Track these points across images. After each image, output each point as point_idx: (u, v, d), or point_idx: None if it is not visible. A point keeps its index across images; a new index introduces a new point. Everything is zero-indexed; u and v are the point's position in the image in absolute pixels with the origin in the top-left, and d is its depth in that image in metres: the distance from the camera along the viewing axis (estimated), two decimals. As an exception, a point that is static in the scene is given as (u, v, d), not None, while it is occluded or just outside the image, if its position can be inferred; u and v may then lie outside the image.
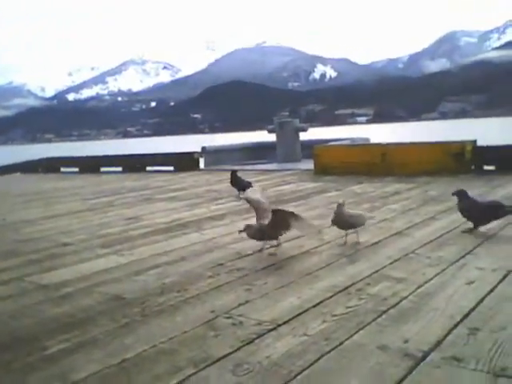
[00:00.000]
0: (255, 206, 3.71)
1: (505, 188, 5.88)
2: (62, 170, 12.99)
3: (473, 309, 2.28)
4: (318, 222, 4.43)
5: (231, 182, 6.34)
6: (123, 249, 3.85)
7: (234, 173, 6.35)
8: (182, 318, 2.39)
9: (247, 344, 2.05)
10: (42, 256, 3.79)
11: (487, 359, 1.80)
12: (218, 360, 1.92)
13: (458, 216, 4.34)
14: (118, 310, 2.53)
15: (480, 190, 5.78)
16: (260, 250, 3.53)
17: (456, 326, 2.10)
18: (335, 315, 2.30)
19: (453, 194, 3.91)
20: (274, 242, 3.57)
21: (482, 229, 3.78)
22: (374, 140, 11.36)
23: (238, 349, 2.01)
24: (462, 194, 3.85)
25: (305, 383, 1.73)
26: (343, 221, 3.57)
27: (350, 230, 3.64)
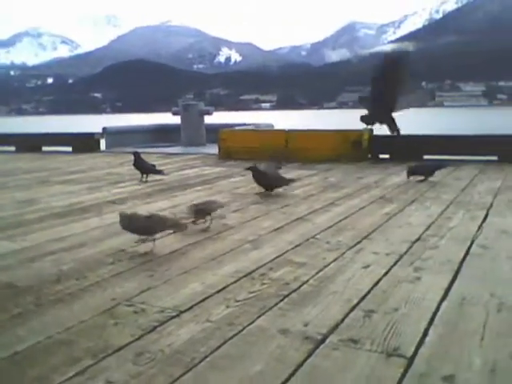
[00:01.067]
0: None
1: (398, 176, 6.22)
2: None
3: (368, 292, 2.39)
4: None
5: (134, 164, 6.18)
6: (16, 234, 3.63)
7: (136, 154, 6.18)
8: (80, 306, 2.29)
9: (149, 332, 2.01)
10: None
11: (381, 340, 1.90)
12: (119, 350, 1.87)
13: (354, 202, 4.55)
14: (10, 299, 2.38)
15: (376, 177, 6.08)
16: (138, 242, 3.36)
17: (353, 308, 2.20)
18: (238, 300, 2.31)
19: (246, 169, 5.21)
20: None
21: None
22: (277, 126, 11.56)
23: (140, 337, 1.96)
24: (253, 169, 5.09)
25: (207, 370, 1.73)
26: None
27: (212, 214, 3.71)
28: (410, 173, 5.69)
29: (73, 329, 2.05)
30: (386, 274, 2.65)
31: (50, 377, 1.69)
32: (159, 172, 6.16)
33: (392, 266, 2.76)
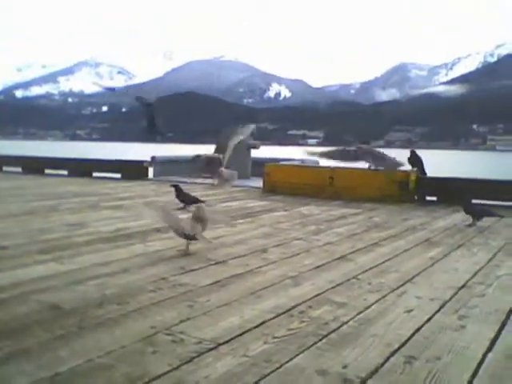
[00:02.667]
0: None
1: (444, 219, 6.10)
2: (4, 169, 12.51)
3: (410, 337, 2.34)
4: (262, 242, 4.46)
5: (177, 197, 6.29)
6: (64, 256, 3.74)
7: (177, 187, 6.31)
8: (121, 332, 2.33)
9: (186, 363, 2.02)
10: (-25, 258, 3.63)
11: (421, 388, 1.85)
12: (156, 378, 1.89)
13: (399, 244, 4.48)
14: (54, 321, 2.45)
15: (422, 219, 5.97)
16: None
17: (393, 353, 2.15)
18: (276, 337, 2.30)
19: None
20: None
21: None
22: (323, 163, 11.55)
23: (177, 367, 1.98)
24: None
25: (242, 405, 1.72)
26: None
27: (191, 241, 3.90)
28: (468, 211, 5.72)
29: (113, 354, 2.09)
30: (429, 320, 2.58)
31: (87, 400, 1.72)
32: (202, 202, 6.24)
33: (436, 312, 2.69)
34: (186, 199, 6.25)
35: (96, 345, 2.17)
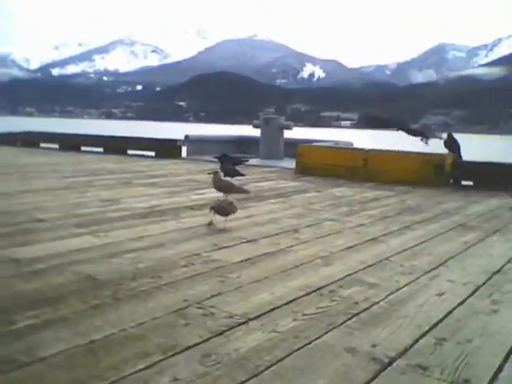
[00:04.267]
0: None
1: (480, 204, 5.98)
2: (42, 145, 12.79)
3: (441, 320, 2.32)
4: (295, 222, 4.46)
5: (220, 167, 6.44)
6: (99, 230, 3.82)
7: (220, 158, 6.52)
8: (154, 304, 2.38)
9: (217, 335, 2.05)
10: (15, 230, 3.74)
11: (452, 369, 1.84)
12: (187, 349, 1.93)
13: (432, 227, 4.42)
14: (90, 291, 2.51)
15: (457, 204, 5.88)
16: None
17: (424, 335, 2.14)
18: (306, 314, 2.32)
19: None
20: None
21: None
22: (357, 145, 11.44)
23: (208, 339, 2.02)
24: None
25: (271, 379, 1.74)
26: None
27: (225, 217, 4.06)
28: None
29: (145, 324, 2.14)
30: (462, 303, 2.56)
31: (121, 368, 1.77)
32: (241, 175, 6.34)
33: (468, 296, 2.66)
34: (227, 170, 6.31)
35: (130, 315, 2.22)
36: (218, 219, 4.08)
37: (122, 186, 6.25)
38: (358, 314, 2.35)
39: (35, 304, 2.31)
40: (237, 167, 6.65)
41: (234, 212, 4.07)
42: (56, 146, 12.46)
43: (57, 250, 3.22)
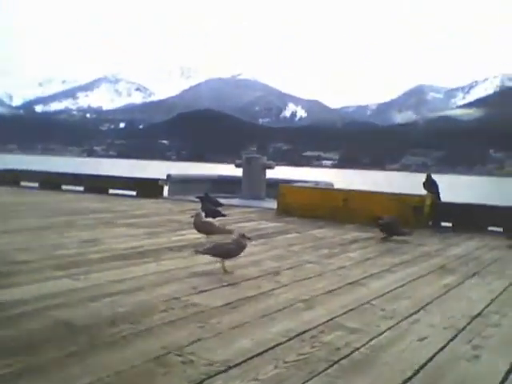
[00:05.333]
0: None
1: (459, 246, 6.04)
2: (22, 184, 12.67)
3: (423, 366, 2.31)
4: (276, 264, 4.46)
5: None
6: (78, 272, 3.77)
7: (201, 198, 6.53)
8: (132, 351, 2.34)
9: (196, 385, 2.02)
10: (-9, 272, 3.67)
11: (433, 420, 1.82)
12: (166, 400, 1.89)
13: (412, 270, 4.45)
14: (67, 338, 2.46)
15: (437, 246, 5.93)
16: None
17: (406, 382, 2.13)
18: (287, 362, 2.29)
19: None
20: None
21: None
22: (337, 184, 11.56)
23: (187, 389, 1.98)
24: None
25: (252, 431, 1.71)
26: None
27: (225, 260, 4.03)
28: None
29: (123, 373, 2.09)
30: (443, 348, 2.56)
31: (97, 420, 1.72)
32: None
33: (449, 341, 2.67)
34: (208, 211, 6.31)
35: (107, 363, 2.18)
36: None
37: (102, 226, 6.20)
38: (339, 360, 2.34)
39: (9, 352, 2.25)
40: (218, 208, 6.67)
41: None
42: (36, 184, 12.35)
43: (33, 293, 3.16)
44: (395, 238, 6.19)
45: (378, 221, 6.30)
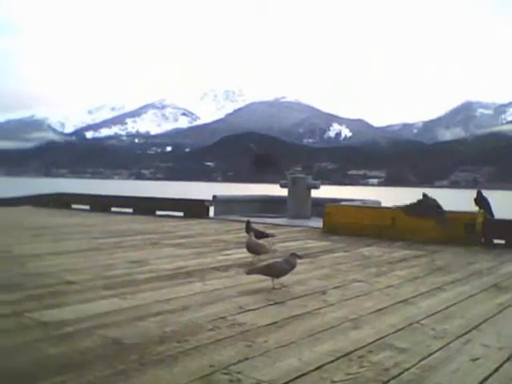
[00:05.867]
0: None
1: (514, 264, 5.83)
2: (73, 206, 13.08)
3: (476, 387, 2.23)
4: (322, 283, 4.41)
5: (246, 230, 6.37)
6: (126, 292, 3.84)
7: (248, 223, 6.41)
8: (179, 369, 2.35)
9: (243, 403, 2.01)
10: (44, 292, 3.78)
11: None
12: (213, 418, 1.88)
13: (464, 289, 4.31)
14: (116, 356, 2.50)
15: (489, 264, 5.73)
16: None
17: (458, 404, 2.06)
18: (335, 381, 2.26)
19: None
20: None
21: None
22: (384, 203, 11.38)
23: (234, 408, 1.97)
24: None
25: None
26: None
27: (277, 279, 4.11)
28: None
29: (171, 391, 2.10)
30: (497, 370, 2.46)
31: None
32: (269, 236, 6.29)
33: (504, 362, 2.56)
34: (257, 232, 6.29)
35: (155, 382, 2.20)
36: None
37: (149, 247, 6.30)
38: (388, 381, 2.28)
39: (61, 369, 2.31)
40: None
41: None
42: (87, 206, 12.72)
43: (84, 312, 3.23)
44: None
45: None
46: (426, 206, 7.89)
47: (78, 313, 3.23)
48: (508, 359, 2.61)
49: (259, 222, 9.61)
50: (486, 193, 8.40)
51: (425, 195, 8.09)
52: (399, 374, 2.36)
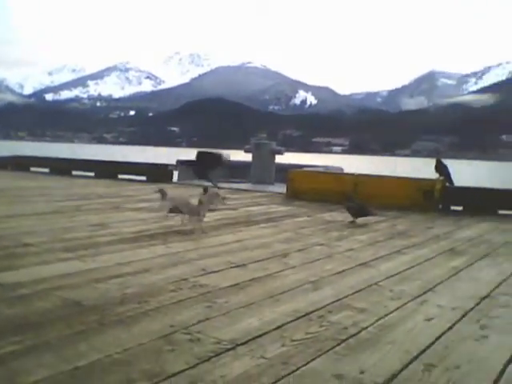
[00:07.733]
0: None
1: (469, 229, 6.01)
2: (32, 169, 12.75)
3: (429, 345, 2.30)
4: (284, 246, 4.45)
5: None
6: (87, 255, 3.79)
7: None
8: (140, 329, 2.35)
9: (203, 362, 2.03)
10: (0, 254, 3.70)
11: (439, 396, 1.82)
12: (173, 375, 1.90)
13: (422, 252, 4.42)
14: (75, 316, 2.48)
15: (446, 229, 5.89)
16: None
17: (412, 361, 2.12)
18: (295, 340, 2.29)
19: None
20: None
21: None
22: (347, 170, 11.50)
23: (194, 366, 1.98)
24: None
25: (258, 406, 1.71)
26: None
27: None
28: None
29: (131, 350, 2.10)
30: (450, 328, 2.54)
31: (104, 395, 1.74)
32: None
33: (457, 322, 2.65)
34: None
35: (115, 341, 2.19)
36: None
37: (111, 211, 6.22)
38: (346, 339, 2.33)
39: (18, 330, 2.27)
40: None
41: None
42: (46, 169, 12.42)
43: (42, 274, 3.18)
44: (363, 218, 5.96)
45: (347, 204, 6.07)
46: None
47: (36, 275, 3.17)
48: (460, 319, 2.70)
49: (223, 187, 9.60)
50: (447, 162, 8.57)
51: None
52: (357, 333, 2.41)
